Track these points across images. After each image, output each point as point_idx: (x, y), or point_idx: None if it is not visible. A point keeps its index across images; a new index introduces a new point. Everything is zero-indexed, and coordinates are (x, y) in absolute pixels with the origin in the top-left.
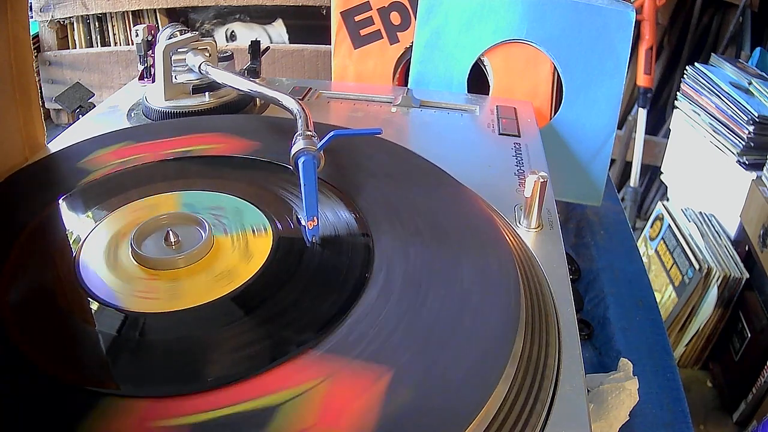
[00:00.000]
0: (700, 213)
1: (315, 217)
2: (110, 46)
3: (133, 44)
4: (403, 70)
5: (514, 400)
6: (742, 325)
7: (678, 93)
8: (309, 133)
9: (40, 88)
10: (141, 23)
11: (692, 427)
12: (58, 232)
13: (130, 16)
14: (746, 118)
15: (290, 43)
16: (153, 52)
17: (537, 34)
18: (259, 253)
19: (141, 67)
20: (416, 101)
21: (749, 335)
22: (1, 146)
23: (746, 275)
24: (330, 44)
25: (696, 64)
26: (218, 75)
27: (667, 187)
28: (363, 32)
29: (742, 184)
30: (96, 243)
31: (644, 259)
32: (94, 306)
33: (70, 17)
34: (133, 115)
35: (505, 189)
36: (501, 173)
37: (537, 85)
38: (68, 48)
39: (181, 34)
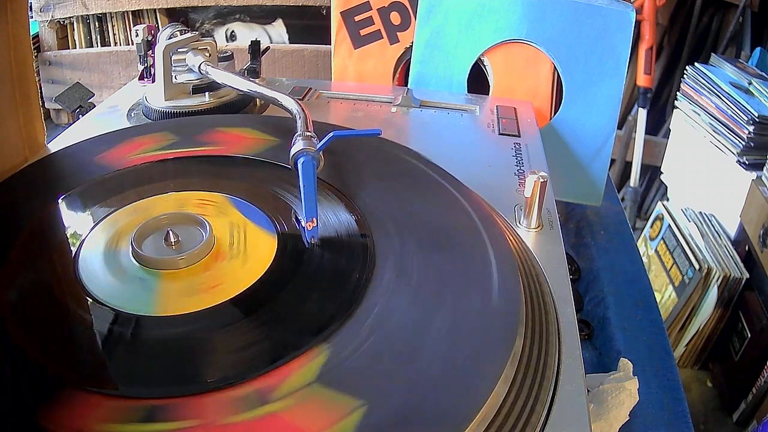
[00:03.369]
0: (700, 213)
1: (314, 218)
2: (110, 46)
3: (133, 44)
4: (403, 70)
5: (514, 400)
6: (742, 325)
7: (678, 93)
8: (308, 133)
9: (40, 88)
10: (141, 23)
11: (692, 427)
12: (58, 232)
13: (130, 16)
14: (746, 118)
15: (290, 43)
16: (153, 52)
17: (537, 34)
18: (259, 255)
19: (141, 67)
20: (416, 101)
21: (749, 335)
22: (1, 146)
23: (746, 275)
24: (330, 44)
25: (696, 64)
26: (218, 75)
27: (667, 187)
28: (363, 32)
29: (742, 184)
30: (96, 243)
31: (644, 259)
32: (94, 306)
33: (70, 17)
34: (133, 115)
35: (505, 189)
36: (501, 173)
37: (537, 85)
38: (68, 48)
39: (181, 34)
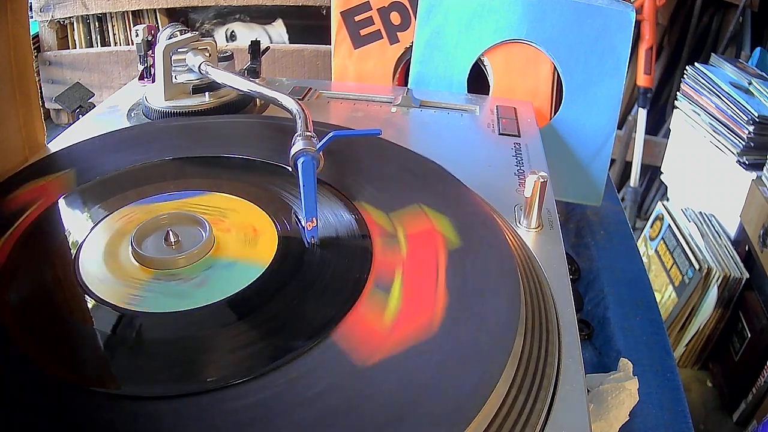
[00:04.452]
0: (700, 213)
1: (314, 218)
2: (110, 46)
3: (133, 44)
4: (403, 70)
5: (514, 400)
6: (742, 325)
7: (678, 93)
8: (308, 133)
9: (40, 88)
10: (141, 23)
11: (692, 427)
12: (58, 232)
13: (130, 16)
14: (746, 118)
15: (290, 43)
16: (153, 52)
17: (537, 34)
18: (258, 255)
19: (141, 67)
20: (416, 101)
21: (749, 335)
22: (1, 146)
23: (746, 275)
24: (330, 44)
25: (696, 64)
26: (218, 75)
27: (667, 187)
28: (363, 32)
29: (742, 184)
30: (96, 243)
31: (644, 259)
32: (94, 306)
33: (70, 17)
34: (133, 115)
35: (505, 189)
36: (501, 173)
37: (537, 85)
38: (68, 48)
39: (181, 34)
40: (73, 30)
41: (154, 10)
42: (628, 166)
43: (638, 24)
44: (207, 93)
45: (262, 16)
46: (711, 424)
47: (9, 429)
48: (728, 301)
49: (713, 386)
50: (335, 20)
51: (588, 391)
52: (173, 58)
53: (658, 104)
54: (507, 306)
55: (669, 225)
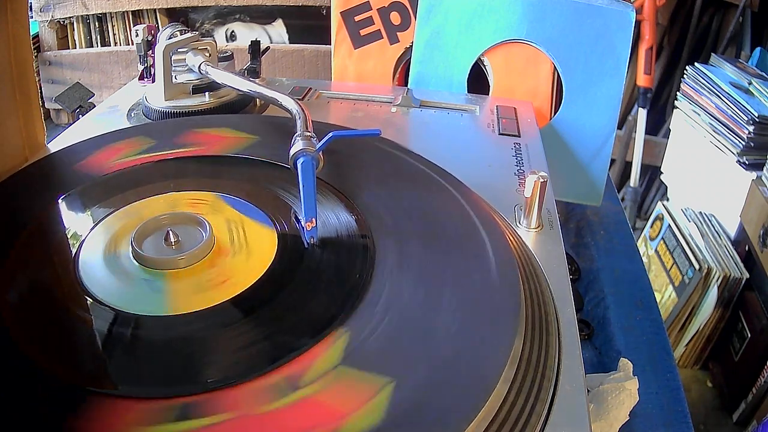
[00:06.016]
0: (700, 213)
1: (313, 218)
2: (110, 46)
3: (133, 44)
4: (403, 70)
5: (514, 400)
6: (742, 325)
7: (678, 93)
8: (308, 134)
9: (40, 88)
10: (141, 23)
11: (692, 427)
12: (58, 232)
13: (130, 16)
14: (746, 118)
15: (290, 43)
16: (153, 52)
17: (537, 34)
18: (261, 249)
19: (141, 67)
20: (416, 101)
21: (749, 335)
22: (1, 146)
23: (746, 275)
24: (330, 44)
25: (696, 64)
26: (218, 75)
27: (667, 187)
28: (363, 32)
29: (742, 184)
30: (96, 243)
31: (644, 259)
32: (94, 306)
33: (70, 17)
34: (133, 115)
35: (505, 189)
36: (501, 173)
37: (537, 85)
38: (68, 48)
39: (181, 34)
40: (73, 30)
41: (154, 10)
42: (628, 166)
43: (638, 24)
44: (207, 93)
45: (262, 16)
46: (711, 424)
47: (9, 429)
48: (728, 301)
49: (713, 386)
50: (335, 20)
51: (588, 391)
52: (173, 58)
53: (658, 104)
54: (507, 306)
55: (669, 225)
